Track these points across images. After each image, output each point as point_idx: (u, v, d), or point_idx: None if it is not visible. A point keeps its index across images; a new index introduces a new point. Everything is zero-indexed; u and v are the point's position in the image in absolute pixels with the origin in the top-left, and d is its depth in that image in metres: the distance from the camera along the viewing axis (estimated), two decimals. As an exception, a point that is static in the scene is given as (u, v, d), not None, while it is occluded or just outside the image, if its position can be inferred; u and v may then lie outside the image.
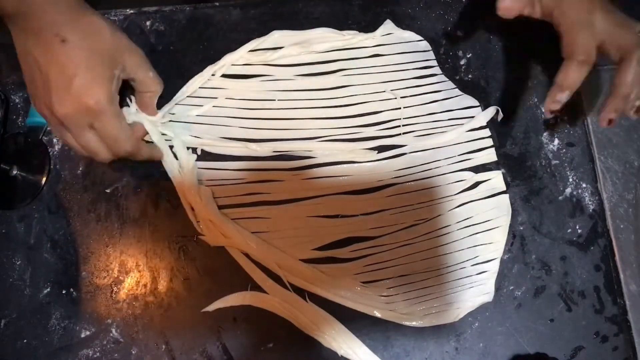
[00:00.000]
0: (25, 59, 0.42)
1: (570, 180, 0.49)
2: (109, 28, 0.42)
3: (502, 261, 0.47)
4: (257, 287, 0.46)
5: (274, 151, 0.49)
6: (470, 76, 0.51)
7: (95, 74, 0.41)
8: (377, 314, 0.46)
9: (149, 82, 0.46)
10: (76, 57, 0.40)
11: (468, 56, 0.52)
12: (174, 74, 0.52)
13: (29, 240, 0.49)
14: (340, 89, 0.51)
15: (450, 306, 0.46)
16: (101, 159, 0.44)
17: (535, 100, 0.51)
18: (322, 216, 0.48)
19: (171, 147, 0.49)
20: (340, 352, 0.45)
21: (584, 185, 0.48)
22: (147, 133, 0.47)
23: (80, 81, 0.40)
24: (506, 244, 0.47)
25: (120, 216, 0.49)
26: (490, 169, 0.49)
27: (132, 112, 0.47)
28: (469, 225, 0.48)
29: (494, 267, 0.46)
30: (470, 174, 0.49)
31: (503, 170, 0.49)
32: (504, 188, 0.48)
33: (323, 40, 0.52)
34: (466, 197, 0.48)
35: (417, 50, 0.52)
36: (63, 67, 0.40)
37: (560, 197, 0.48)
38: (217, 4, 0.54)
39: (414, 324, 0.45)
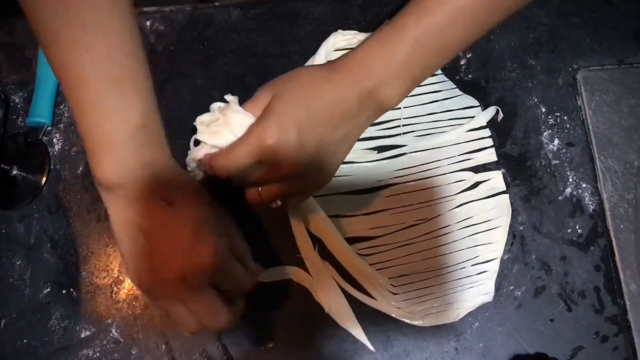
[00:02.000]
0: (124, 226, 0.37)
1: (570, 180, 0.49)
2: (213, 209, 0.39)
3: (502, 261, 0.47)
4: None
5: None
6: (470, 76, 0.51)
7: (204, 233, 0.36)
8: (382, 306, 0.46)
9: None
10: (184, 218, 0.37)
11: (468, 56, 0.52)
12: (174, 74, 0.52)
13: (29, 240, 0.49)
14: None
15: (450, 306, 0.46)
16: (216, 326, 0.37)
17: (535, 100, 0.51)
18: (323, 216, 0.48)
19: None
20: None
21: (584, 185, 0.48)
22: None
23: (189, 240, 0.36)
24: (506, 244, 0.47)
25: (120, 216, 0.49)
26: (490, 169, 0.49)
27: None
28: (469, 226, 0.48)
29: (494, 267, 0.46)
30: (470, 174, 0.49)
31: (503, 170, 0.49)
32: (504, 188, 0.48)
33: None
34: (466, 197, 0.48)
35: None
36: (169, 230, 0.36)
37: (560, 197, 0.48)
38: (217, 4, 0.54)
39: (414, 323, 0.45)
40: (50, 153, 0.51)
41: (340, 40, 0.51)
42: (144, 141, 0.37)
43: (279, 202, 0.41)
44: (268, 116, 0.38)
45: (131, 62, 0.37)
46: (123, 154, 0.36)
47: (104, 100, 0.36)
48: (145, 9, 0.54)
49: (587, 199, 0.48)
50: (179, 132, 0.51)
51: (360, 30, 0.52)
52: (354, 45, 0.51)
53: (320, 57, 0.51)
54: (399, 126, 0.50)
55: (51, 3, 0.34)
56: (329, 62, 0.41)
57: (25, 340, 0.46)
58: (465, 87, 0.51)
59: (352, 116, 0.40)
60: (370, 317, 0.46)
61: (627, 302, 0.45)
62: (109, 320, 0.46)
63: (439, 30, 0.38)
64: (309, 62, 0.51)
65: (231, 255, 0.38)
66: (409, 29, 0.38)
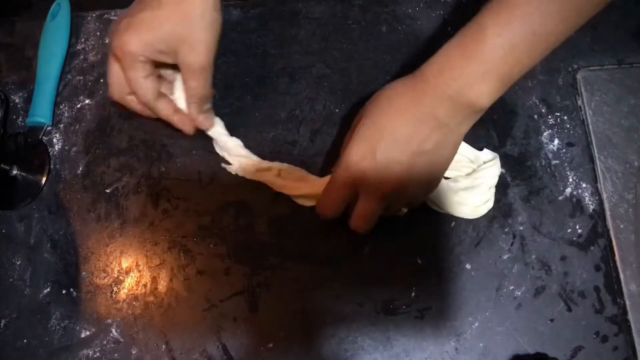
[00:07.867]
0: None
1: (570, 180, 0.49)
2: (199, 14, 0.41)
3: (502, 261, 0.47)
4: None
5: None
6: (470, 76, 0.51)
7: (143, 28, 0.41)
8: None
9: (187, 85, 0.45)
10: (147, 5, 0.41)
11: (468, 56, 0.52)
12: (174, 74, 0.52)
13: (29, 240, 0.49)
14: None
15: None
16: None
17: (535, 100, 0.51)
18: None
19: None
20: None
21: (584, 185, 0.48)
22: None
23: (130, 20, 0.41)
24: (506, 244, 0.47)
25: (120, 216, 0.49)
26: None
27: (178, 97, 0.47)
28: None
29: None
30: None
31: (503, 170, 0.49)
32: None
33: None
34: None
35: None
36: (136, 3, 0.43)
37: (560, 197, 0.48)
38: (217, 4, 0.54)
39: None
40: (50, 153, 0.51)
41: None
42: None
43: (404, 210, 0.45)
44: (352, 143, 0.40)
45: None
46: None
47: None
48: (145, 9, 0.54)
49: (587, 199, 0.48)
50: (179, 132, 0.51)
51: (360, 30, 0.52)
52: None
53: None
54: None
55: None
56: (413, 75, 0.40)
57: (25, 340, 0.47)
58: (465, 87, 0.51)
59: (440, 125, 0.39)
60: (370, 317, 0.46)
61: (627, 302, 0.45)
62: (109, 320, 0.46)
63: (524, 23, 0.36)
64: None
65: (118, 64, 0.43)
66: (489, 28, 0.36)
